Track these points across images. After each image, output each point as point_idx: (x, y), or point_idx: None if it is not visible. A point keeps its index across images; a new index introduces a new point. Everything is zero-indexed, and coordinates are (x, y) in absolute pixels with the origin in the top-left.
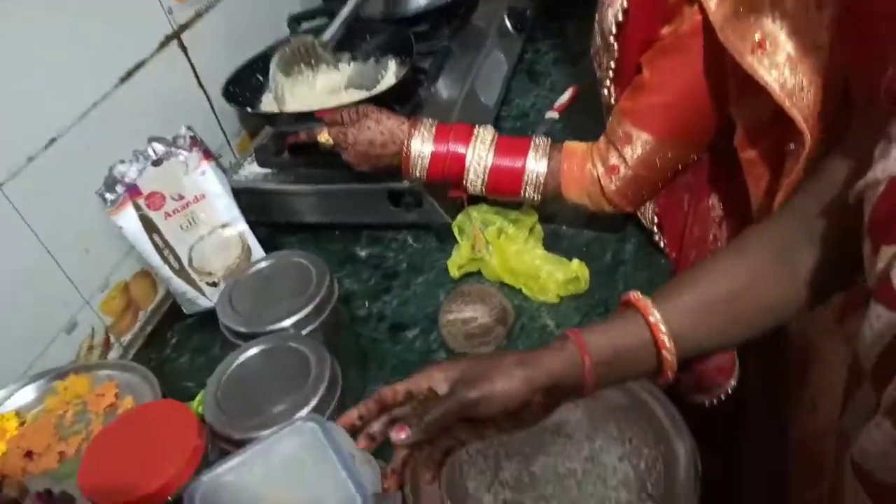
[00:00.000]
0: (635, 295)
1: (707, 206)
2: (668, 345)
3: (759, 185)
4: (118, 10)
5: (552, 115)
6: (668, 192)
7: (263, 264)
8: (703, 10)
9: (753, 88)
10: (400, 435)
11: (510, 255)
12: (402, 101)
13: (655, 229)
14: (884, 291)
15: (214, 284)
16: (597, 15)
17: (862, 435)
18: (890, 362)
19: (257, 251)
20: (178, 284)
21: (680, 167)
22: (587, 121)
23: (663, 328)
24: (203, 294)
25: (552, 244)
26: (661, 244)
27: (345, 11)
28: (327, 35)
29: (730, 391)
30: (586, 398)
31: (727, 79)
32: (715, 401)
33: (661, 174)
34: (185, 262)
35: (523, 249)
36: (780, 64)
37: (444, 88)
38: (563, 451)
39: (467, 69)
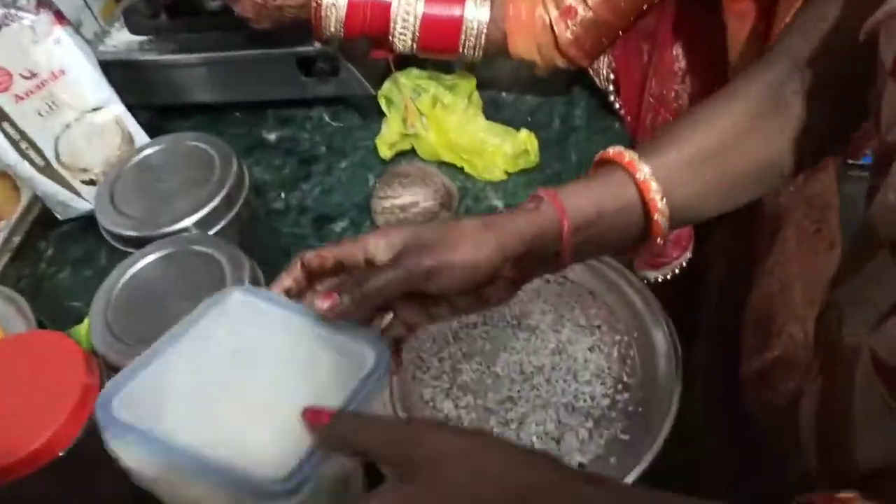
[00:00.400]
0: (617, 149)
1: (670, 57)
2: (659, 206)
3: (743, 25)
4: None
5: None
6: (625, 42)
7: (150, 151)
8: None
9: None
10: (323, 304)
11: (449, 127)
12: None
13: (611, 87)
14: None
15: (92, 182)
16: None
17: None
18: None
19: (141, 139)
20: (46, 185)
21: (645, 7)
22: None
23: (653, 186)
24: (79, 195)
25: (492, 113)
26: (616, 105)
27: None
28: None
29: (684, 264)
30: (550, 282)
31: None
32: (669, 275)
33: (624, 17)
34: (50, 156)
35: (463, 120)
36: None
37: None
38: (527, 346)
39: None
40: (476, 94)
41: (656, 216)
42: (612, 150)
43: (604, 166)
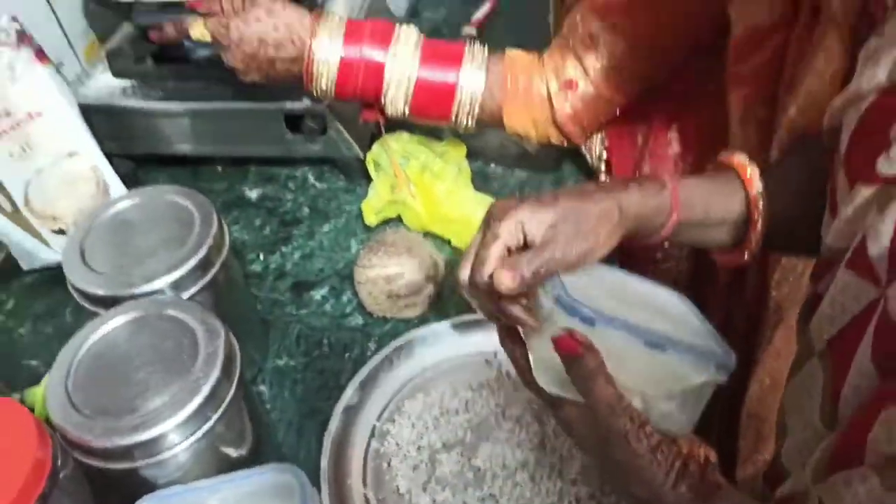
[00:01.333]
0: (740, 159)
1: (665, 141)
2: (759, 226)
3: (750, 109)
4: None
5: (469, 30)
6: (620, 124)
7: (126, 203)
8: None
9: None
10: (509, 280)
11: (438, 197)
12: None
13: (602, 166)
14: (856, 260)
15: (62, 232)
16: None
17: (838, 481)
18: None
19: (117, 189)
20: (12, 231)
21: (646, 85)
22: (511, 37)
23: (762, 203)
24: (47, 244)
25: (480, 184)
26: None
27: None
28: None
29: None
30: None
31: None
32: None
33: (624, 93)
34: (19, 201)
35: (452, 189)
36: None
37: None
38: (511, 437)
39: None
40: (465, 163)
41: (752, 234)
42: (737, 159)
43: (724, 171)
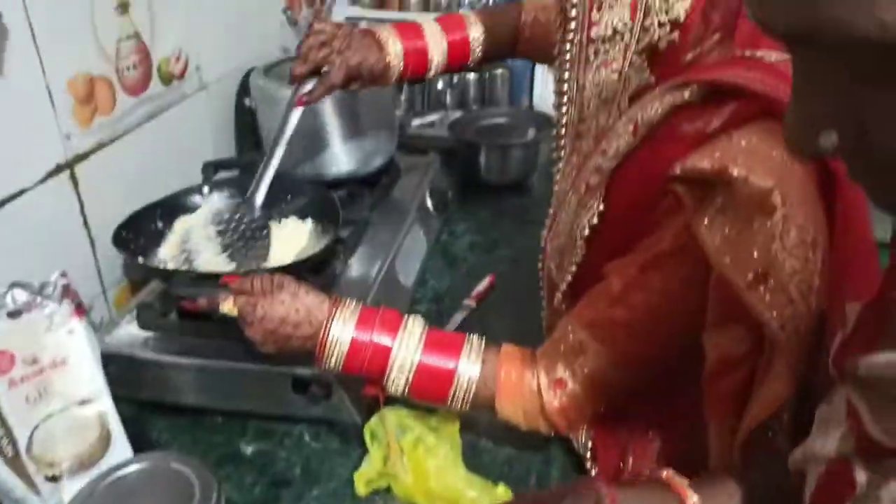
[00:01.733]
0: (670, 473)
1: (648, 437)
2: None
3: (722, 429)
4: (7, 122)
5: (469, 303)
6: (605, 421)
7: (129, 469)
8: (690, 230)
9: (733, 318)
10: None
11: (429, 473)
12: (317, 271)
13: (588, 454)
14: None
15: (54, 479)
16: (555, 212)
17: None
18: None
19: (119, 439)
20: (6, 478)
21: (629, 392)
22: (506, 312)
23: None
24: (38, 492)
25: (471, 459)
26: (593, 473)
27: (273, 165)
28: (259, 197)
29: None
30: None
31: (706, 303)
32: None
33: (610, 398)
34: (22, 447)
35: (443, 466)
36: (781, 304)
37: (360, 262)
38: None
39: (387, 245)
40: (458, 437)
41: None
42: (666, 473)
43: (656, 485)
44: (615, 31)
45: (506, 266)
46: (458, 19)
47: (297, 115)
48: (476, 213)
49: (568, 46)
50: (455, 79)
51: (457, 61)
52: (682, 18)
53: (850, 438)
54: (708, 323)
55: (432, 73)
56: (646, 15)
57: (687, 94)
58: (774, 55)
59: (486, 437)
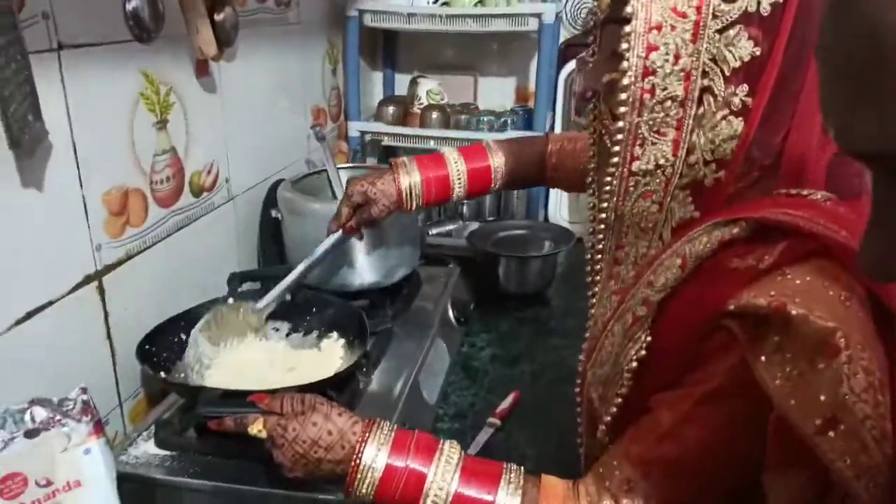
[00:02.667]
0: None
1: None
2: None
3: None
4: (41, 234)
5: (494, 421)
6: None
7: None
8: (745, 365)
9: (801, 459)
10: None
11: None
12: (340, 388)
13: None
14: None
15: None
16: (594, 339)
17: None
18: None
19: None
20: None
21: None
22: (533, 433)
23: None
24: None
25: None
26: None
27: (288, 279)
28: (263, 302)
29: None
30: None
31: (763, 442)
32: None
33: None
34: None
35: None
36: (854, 451)
37: (384, 377)
38: None
39: (411, 358)
40: None
41: None
42: None
43: None
44: (658, 166)
45: (528, 381)
46: (479, 149)
47: (330, 240)
48: (496, 324)
49: (608, 178)
50: None
51: (478, 188)
52: (728, 157)
53: None
54: (768, 465)
55: (454, 199)
56: (690, 152)
57: (736, 230)
58: (820, 194)
59: None
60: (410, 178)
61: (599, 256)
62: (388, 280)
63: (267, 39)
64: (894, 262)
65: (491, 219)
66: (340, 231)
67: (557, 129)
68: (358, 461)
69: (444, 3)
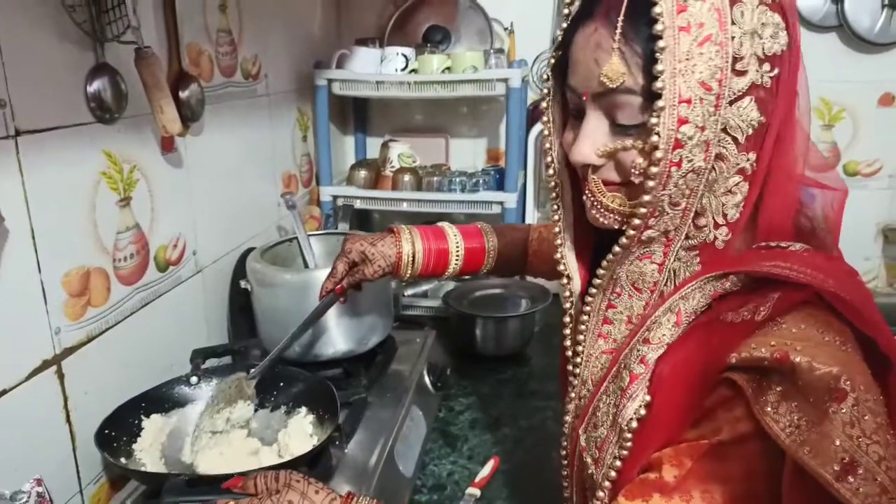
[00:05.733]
0: None
1: None
2: None
3: None
4: None
5: (473, 491)
6: None
7: None
8: (751, 417)
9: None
10: None
11: None
12: (313, 464)
13: None
14: None
15: None
16: (586, 401)
17: None
18: None
19: None
20: None
21: None
22: (516, 502)
23: None
24: None
25: None
26: None
27: (281, 345)
28: (256, 371)
29: None
30: None
31: (773, 493)
32: None
33: None
34: None
35: None
36: (876, 494)
37: (358, 448)
38: None
39: (386, 427)
40: None
41: None
42: None
43: None
44: (664, 233)
45: (510, 446)
46: (475, 229)
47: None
48: (475, 386)
49: (617, 249)
50: None
51: (471, 267)
52: (737, 220)
53: None
54: None
55: (447, 274)
56: (699, 215)
57: (728, 283)
58: (798, 245)
59: None
60: (413, 245)
61: (586, 318)
62: (361, 348)
63: (235, 111)
64: None
65: (466, 278)
66: (332, 292)
67: (529, 188)
68: None
69: (412, 71)
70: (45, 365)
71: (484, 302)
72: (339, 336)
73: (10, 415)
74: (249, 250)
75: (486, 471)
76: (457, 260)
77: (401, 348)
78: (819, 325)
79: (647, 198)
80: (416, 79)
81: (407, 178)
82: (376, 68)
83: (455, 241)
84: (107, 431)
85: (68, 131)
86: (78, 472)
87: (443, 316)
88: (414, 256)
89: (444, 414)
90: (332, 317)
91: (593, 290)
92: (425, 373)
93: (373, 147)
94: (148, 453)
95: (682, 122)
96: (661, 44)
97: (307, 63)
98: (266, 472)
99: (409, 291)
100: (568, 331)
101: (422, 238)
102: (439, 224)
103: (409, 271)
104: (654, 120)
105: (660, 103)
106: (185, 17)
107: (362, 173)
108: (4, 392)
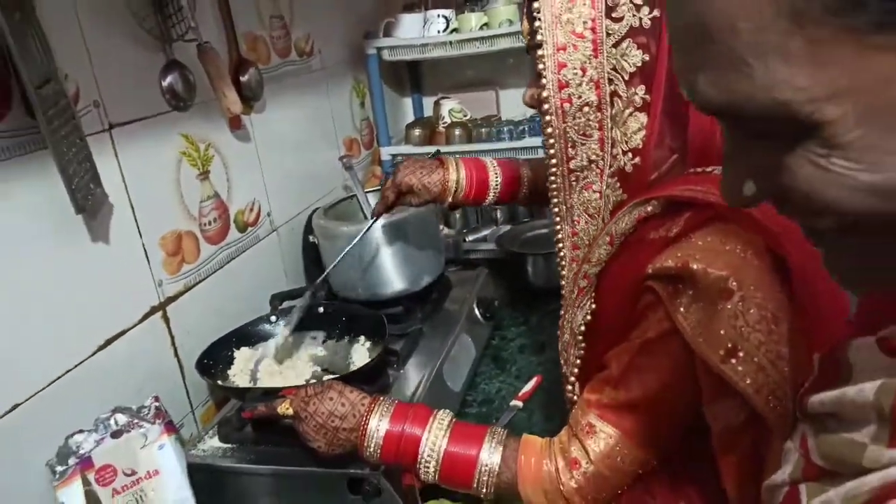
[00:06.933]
0: None
1: None
2: None
3: (744, 497)
4: (111, 277)
5: (516, 403)
6: (631, 500)
7: None
8: (669, 317)
9: (726, 391)
10: None
11: None
12: (371, 380)
13: None
14: None
15: None
16: (563, 314)
17: None
18: None
19: None
20: None
21: (641, 471)
22: (550, 411)
23: None
24: None
25: None
26: None
27: (303, 300)
28: (286, 323)
29: None
30: None
31: (698, 381)
32: None
33: (624, 476)
34: None
35: None
36: (753, 371)
37: (413, 370)
38: None
39: (435, 353)
40: None
41: None
42: None
43: None
44: (590, 161)
45: (551, 366)
46: (512, 161)
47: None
48: (525, 317)
49: (552, 178)
50: None
51: (508, 196)
52: (640, 146)
53: (800, 465)
54: (705, 398)
55: (486, 202)
56: (613, 145)
57: (650, 207)
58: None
59: None
60: (458, 174)
61: (561, 244)
62: (415, 286)
63: (294, 88)
64: (739, 189)
65: (526, 220)
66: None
67: None
68: (364, 428)
69: (453, 30)
70: (153, 310)
71: (534, 241)
72: (395, 276)
73: (130, 349)
74: (316, 210)
75: (528, 386)
76: (495, 190)
77: (455, 287)
78: (723, 236)
79: (548, 129)
80: (456, 38)
81: (458, 132)
82: (420, 32)
83: (494, 172)
84: (205, 361)
85: (150, 121)
86: (188, 395)
87: (499, 258)
88: (457, 185)
89: (496, 342)
90: (389, 260)
91: (557, 219)
92: (475, 306)
93: (429, 106)
94: (239, 377)
95: (562, 66)
96: (536, 4)
97: (357, 34)
98: (315, 383)
99: (471, 237)
100: (556, 256)
101: (465, 168)
102: (481, 157)
103: (452, 199)
104: (540, 66)
105: (540, 52)
106: (239, 9)
107: (417, 131)
108: (125, 332)
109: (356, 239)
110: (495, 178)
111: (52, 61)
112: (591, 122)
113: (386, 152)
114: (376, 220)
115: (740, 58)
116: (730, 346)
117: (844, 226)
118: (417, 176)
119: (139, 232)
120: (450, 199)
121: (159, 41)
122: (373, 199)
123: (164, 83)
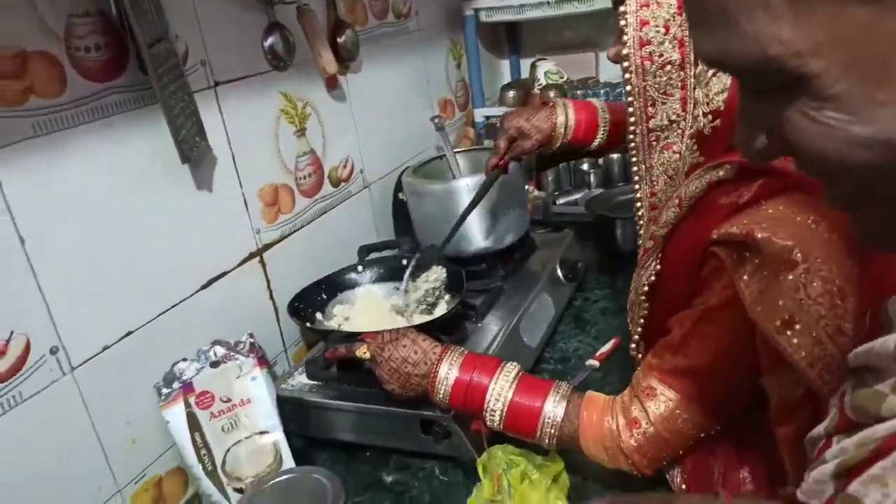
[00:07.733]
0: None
1: (738, 479)
2: None
3: (798, 465)
4: (214, 223)
5: (592, 363)
6: (696, 461)
7: (283, 477)
8: (732, 285)
9: (785, 363)
10: None
11: (531, 503)
12: (449, 331)
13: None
14: None
15: (240, 491)
16: (634, 274)
17: None
18: None
19: (288, 462)
20: (207, 486)
21: (703, 435)
22: (625, 373)
23: None
24: (227, 499)
25: (575, 498)
26: None
27: (457, 221)
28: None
29: None
30: None
31: (758, 351)
32: None
33: (683, 439)
34: (218, 464)
35: (545, 500)
36: (809, 345)
37: (491, 324)
38: None
39: (514, 309)
40: (565, 476)
41: None
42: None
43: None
44: (671, 121)
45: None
46: (619, 104)
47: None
48: (611, 281)
49: (632, 136)
50: (600, 160)
51: (614, 139)
52: (721, 108)
53: (835, 419)
54: (763, 368)
55: (594, 145)
56: (695, 106)
57: (722, 172)
58: None
59: (594, 479)
60: (566, 116)
61: (640, 204)
62: (498, 245)
63: (390, 49)
64: (751, 143)
65: (621, 184)
66: (493, 171)
67: None
68: (435, 374)
69: None
70: (251, 256)
71: (624, 205)
72: (479, 234)
73: (230, 289)
74: (406, 168)
75: (606, 347)
76: (603, 132)
77: (541, 248)
78: (797, 206)
79: (628, 87)
80: None
81: (552, 94)
82: None
83: (603, 114)
84: (296, 304)
85: (252, 79)
86: (282, 335)
87: (589, 221)
88: (566, 126)
89: (579, 302)
90: (473, 218)
91: (636, 178)
92: (558, 267)
93: (527, 68)
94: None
95: (644, 23)
96: None
97: None
98: (392, 330)
99: (562, 200)
100: (635, 217)
101: (574, 110)
102: (589, 99)
103: (561, 141)
104: (622, 22)
105: (622, 8)
106: None
107: (511, 93)
108: (225, 273)
109: (478, 193)
110: (604, 121)
111: (163, 22)
112: (672, 81)
113: (479, 114)
114: (494, 172)
115: (730, 14)
116: (787, 317)
117: (861, 188)
118: (524, 117)
119: (240, 182)
120: (557, 143)
121: (262, 3)
122: (462, 160)
123: (266, 44)
